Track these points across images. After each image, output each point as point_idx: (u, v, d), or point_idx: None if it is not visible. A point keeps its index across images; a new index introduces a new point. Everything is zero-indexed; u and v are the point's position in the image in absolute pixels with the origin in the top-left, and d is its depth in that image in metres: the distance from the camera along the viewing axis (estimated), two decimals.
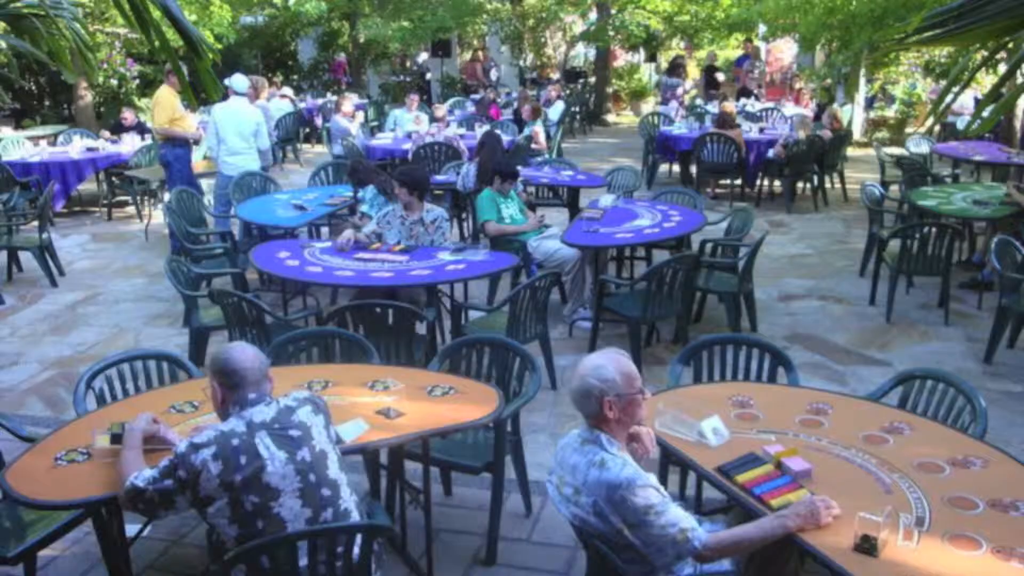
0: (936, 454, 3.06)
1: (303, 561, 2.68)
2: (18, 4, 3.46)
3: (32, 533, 3.24)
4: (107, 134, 11.64)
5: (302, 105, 16.28)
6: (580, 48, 24.01)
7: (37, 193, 9.45)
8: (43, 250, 7.82)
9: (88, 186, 11.24)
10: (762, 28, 16.54)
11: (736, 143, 10.53)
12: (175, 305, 6.87)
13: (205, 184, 8.78)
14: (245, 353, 2.86)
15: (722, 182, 11.45)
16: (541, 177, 8.83)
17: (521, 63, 22.91)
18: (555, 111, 13.71)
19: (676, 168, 12.55)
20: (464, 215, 8.81)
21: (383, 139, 11.72)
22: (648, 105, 19.82)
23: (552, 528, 3.99)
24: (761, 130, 11.62)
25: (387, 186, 6.83)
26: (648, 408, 2.89)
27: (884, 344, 6.25)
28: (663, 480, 3.58)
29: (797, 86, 15.55)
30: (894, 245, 6.77)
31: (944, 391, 3.61)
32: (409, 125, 11.69)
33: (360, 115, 12.59)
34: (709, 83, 17.42)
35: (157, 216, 9.86)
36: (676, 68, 17.81)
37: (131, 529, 3.55)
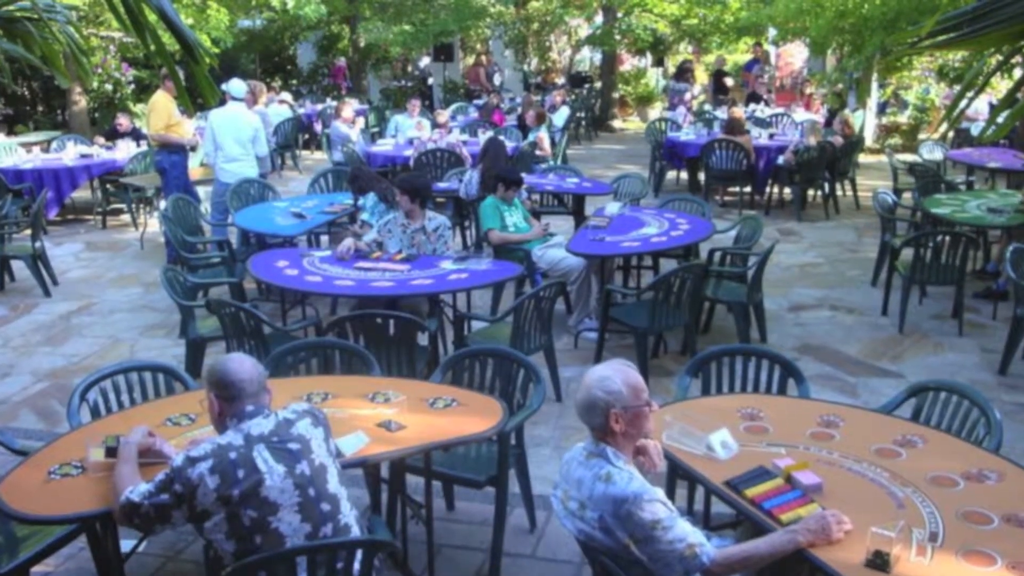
0: (950, 468, 3.02)
1: None
2: (11, 7, 3.44)
3: (25, 549, 3.20)
4: (102, 140, 11.54)
5: (301, 111, 16.23)
6: (585, 52, 24.04)
7: (30, 200, 9.39)
8: (36, 259, 7.75)
9: (82, 193, 11.14)
10: (772, 32, 16.52)
11: (745, 149, 10.47)
12: (171, 315, 6.84)
13: (202, 191, 8.71)
14: (243, 365, 2.83)
15: (731, 189, 11.37)
16: (546, 184, 8.79)
17: (525, 67, 22.92)
18: (560, 117, 13.69)
19: (684, 175, 12.54)
20: (467, 223, 8.78)
21: (384, 145, 11.70)
22: (655, 111, 19.81)
23: (557, 543, 3.95)
24: (771, 136, 11.57)
25: (388, 193, 6.80)
26: (655, 421, 2.87)
27: (897, 355, 6.19)
28: (670, 494, 3.53)
29: (807, 91, 15.50)
30: (907, 254, 6.72)
31: (958, 403, 3.57)
32: (411, 131, 11.66)
33: (360, 121, 12.55)
34: (717, 88, 17.40)
35: (153, 224, 9.85)
36: (684, 73, 17.81)
37: (126, 544, 3.53)
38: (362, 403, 3.58)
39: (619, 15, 18.46)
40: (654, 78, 22.15)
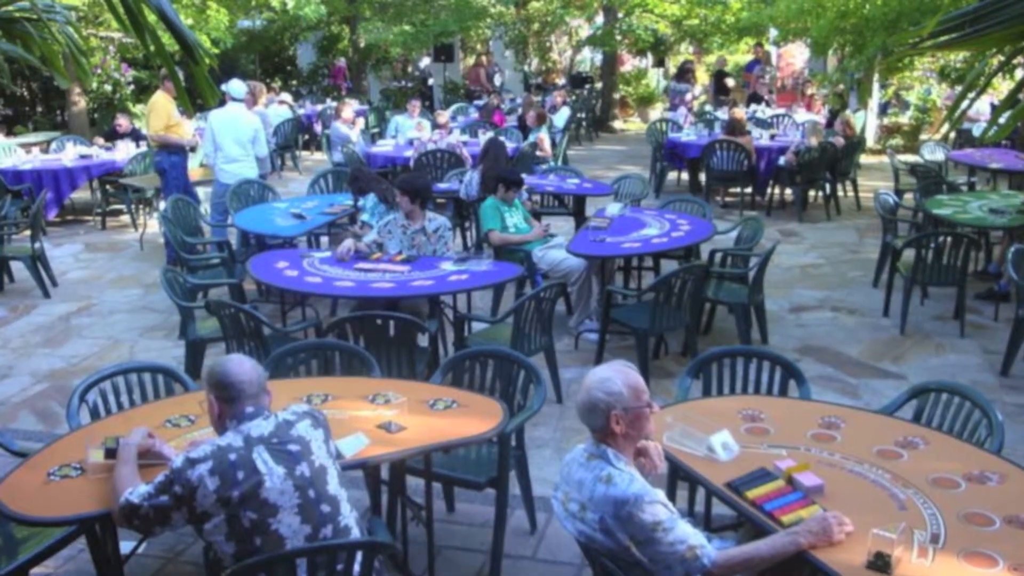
0: (951, 469, 3.02)
1: None
2: (10, 8, 3.43)
3: (24, 550, 3.19)
4: (101, 141, 11.50)
5: (301, 111, 16.19)
6: (586, 53, 24.00)
7: (29, 201, 9.36)
8: (35, 260, 7.73)
9: (81, 194, 11.11)
10: (773, 32, 16.50)
11: (746, 150, 10.46)
12: (171, 317, 6.83)
13: (201, 192, 8.69)
14: (242, 366, 2.82)
15: (732, 190, 11.36)
16: (546, 185, 8.77)
17: (526, 68, 22.90)
18: (560, 117, 13.67)
19: (685, 176, 12.52)
20: (467, 224, 8.76)
21: (384, 146, 11.69)
22: (656, 111, 19.78)
23: (557, 545, 3.94)
24: (772, 137, 11.55)
25: (388, 194, 6.79)
26: (656, 422, 2.86)
27: (898, 356, 6.17)
28: (671, 496, 3.54)
29: (809, 92, 15.46)
30: (908, 255, 6.71)
31: (960, 404, 3.56)
32: (411, 132, 11.65)
33: (360, 121, 12.52)
34: (718, 89, 17.36)
35: (152, 225, 9.83)
36: (685, 73, 17.76)
37: (126, 546, 3.51)
38: (362, 404, 3.57)
39: (620, 15, 18.42)
40: (655, 79, 22.11)
